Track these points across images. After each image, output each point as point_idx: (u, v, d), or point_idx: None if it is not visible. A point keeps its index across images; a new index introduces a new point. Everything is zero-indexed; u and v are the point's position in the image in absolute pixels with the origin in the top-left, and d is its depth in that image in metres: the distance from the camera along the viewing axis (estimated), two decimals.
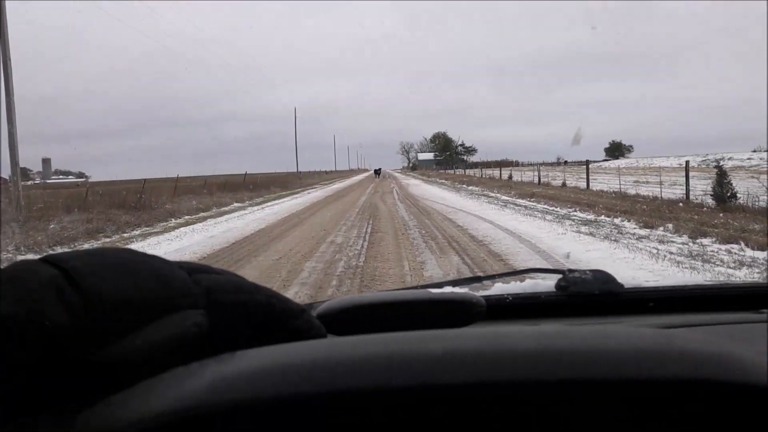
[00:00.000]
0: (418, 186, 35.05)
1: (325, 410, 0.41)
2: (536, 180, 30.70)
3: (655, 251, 8.00)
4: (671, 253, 7.91)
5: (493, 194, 23.09)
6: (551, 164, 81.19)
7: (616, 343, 0.48)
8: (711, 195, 13.46)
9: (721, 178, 12.82)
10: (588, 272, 1.04)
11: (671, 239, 9.18)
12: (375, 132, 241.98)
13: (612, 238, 9.26)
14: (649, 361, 0.45)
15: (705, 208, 13.09)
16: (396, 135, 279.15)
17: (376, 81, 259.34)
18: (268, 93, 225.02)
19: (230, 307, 0.54)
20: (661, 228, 10.35)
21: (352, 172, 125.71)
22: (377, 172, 64.08)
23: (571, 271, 1.06)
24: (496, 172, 45.10)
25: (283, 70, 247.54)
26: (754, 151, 59.04)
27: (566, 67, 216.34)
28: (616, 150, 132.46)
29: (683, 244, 8.73)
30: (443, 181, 43.26)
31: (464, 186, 32.55)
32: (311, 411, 0.41)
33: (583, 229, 10.50)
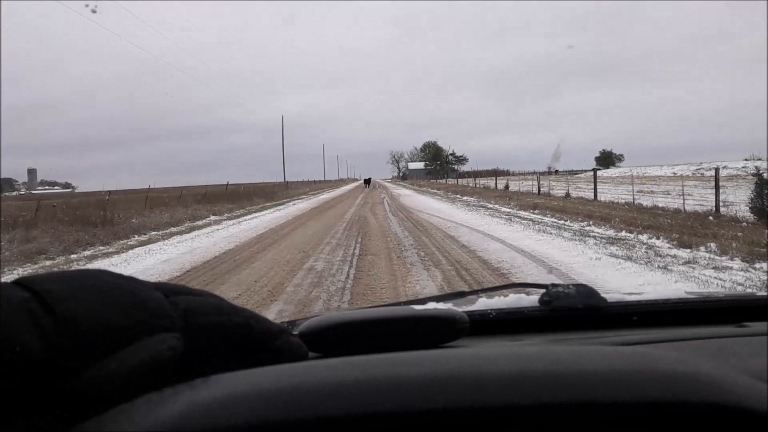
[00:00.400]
0: (410, 196, 33.30)
1: None
2: (535, 190, 29.01)
3: (720, 282, 6.28)
4: (739, 284, 6.20)
5: (491, 205, 21.44)
6: (542, 173, 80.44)
7: (592, 365, 0.49)
8: (749, 207, 11.75)
9: (762, 188, 11.13)
10: (571, 286, 1.04)
11: (725, 264, 7.45)
12: (365, 142, 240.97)
13: (656, 264, 7.50)
14: (624, 382, 0.46)
15: (743, 223, 11.41)
16: (386, 145, 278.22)
17: (365, 91, 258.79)
18: (259, 104, 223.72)
19: (208, 329, 0.53)
20: (703, 248, 8.64)
21: (341, 182, 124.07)
22: (367, 181, 62.31)
23: (554, 285, 1.05)
24: (489, 182, 43.88)
25: (273, 81, 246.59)
26: (747, 160, 57.93)
27: (554, 76, 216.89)
28: (606, 159, 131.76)
29: (742, 270, 7.01)
30: (435, 191, 41.57)
31: (458, 196, 30.90)
32: None
33: (615, 250, 8.72)
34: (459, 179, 76.12)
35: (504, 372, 0.47)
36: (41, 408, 0.42)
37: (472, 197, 28.67)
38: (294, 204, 28.94)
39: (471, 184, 48.12)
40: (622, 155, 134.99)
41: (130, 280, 0.53)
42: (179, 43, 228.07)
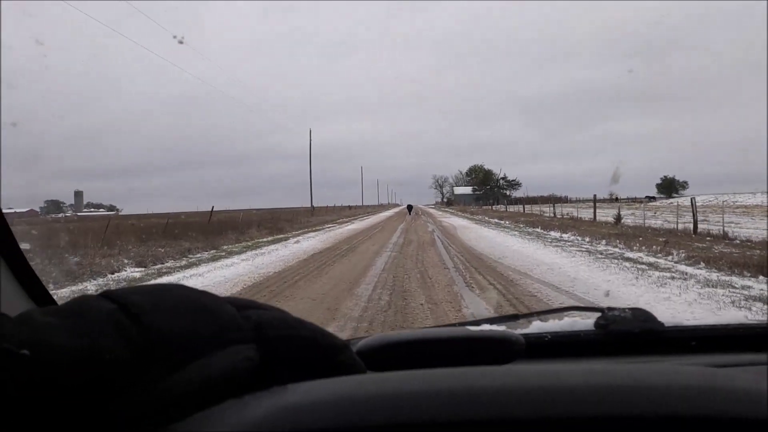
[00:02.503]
0: (467, 229, 23.71)
1: None
2: (633, 220, 18.90)
3: None
4: None
5: (660, 262, 11.46)
6: (602, 200, 70.79)
7: (668, 380, 0.49)
8: None
9: None
10: (627, 310, 1.01)
11: None
12: (406, 167, 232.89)
13: None
14: (698, 398, 0.46)
15: None
16: (427, 170, 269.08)
17: (407, 118, 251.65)
18: (302, 131, 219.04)
19: (278, 342, 0.55)
20: None
21: (381, 207, 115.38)
22: (409, 208, 52.83)
23: (610, 309, 1.02)
24: (546, 209, 35.12)
25: (315, 109, 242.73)
26: None
27: (599, 103, 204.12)
28: (669, 186, 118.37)
29: None
30: (497, 220, 31.84)
31: (539, 230, 21.26)
32: None
33: None
34: (512, 206, 66.28)
35: (577, 384, 0.47)
36: (129, 415, 0.44)
37: (565, 233, 18.95)
38: (306, 238, 19.75)
39: (536, 212, 38.25)
40: (686, 182, 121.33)
41: (205, 294, 0.55)
42: (227, 72, 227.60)
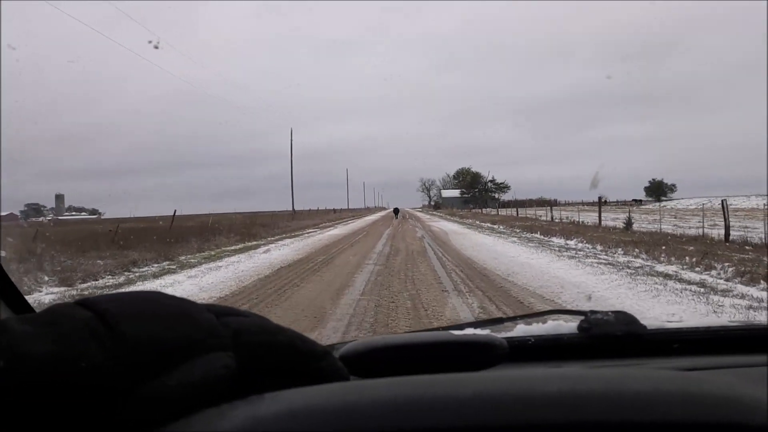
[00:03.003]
0: (460, 235, 21.49)
1: None
2: (659, 226, 16.91)
3: None
4: None
5: (645, 261, 9.36)
6: (591, 204, 69.22)
7: (640, 386, 0.49)
8: None
9: None
10: (610, 313, 1.02)
11: None
12: (393, 170, 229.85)
13: None
14: (674, 404, 0.46)
15: None
16: (415, 174, 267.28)
17: (394, 120, 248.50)
18: (287, 133, 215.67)
19: (256, 348, 0.55)
20: None
21: (367, 211, 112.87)
22: (396, 212, 50.28)
23: (593, 312, 1.03)
24: (540, 212, 33.73)
25: (303, 111, 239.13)
26: None
27: (589, 106, 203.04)
28: (657, 189, 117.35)
29: None
30: (490, 224, 29.69)
31: (539, 236, 19.18)
32: None
33: None
34: (502, 209, 64.23)
35: (554, 390, 0.48)
36: (105, 422, 0.44)
37: (570, 239, 16.84)
38: (278, 248, 17.37)
39: (529, 215, 36.17)
40: (674, 185, 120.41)
41: (184, 301, 0.55)
42: (214, 73, 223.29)
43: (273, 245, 18.41)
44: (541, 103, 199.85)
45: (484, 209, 61.59)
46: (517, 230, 23.96)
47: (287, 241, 20.74)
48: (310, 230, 29.60)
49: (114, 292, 0.58)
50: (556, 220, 28.23)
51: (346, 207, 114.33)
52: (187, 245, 17.24)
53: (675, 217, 29.25)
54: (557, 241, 17.30)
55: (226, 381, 0.50)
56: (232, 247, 17.81)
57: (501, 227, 26.90)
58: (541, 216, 34.69)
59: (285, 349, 0.57)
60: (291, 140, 48.03)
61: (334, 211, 73.30)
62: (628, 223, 19.07)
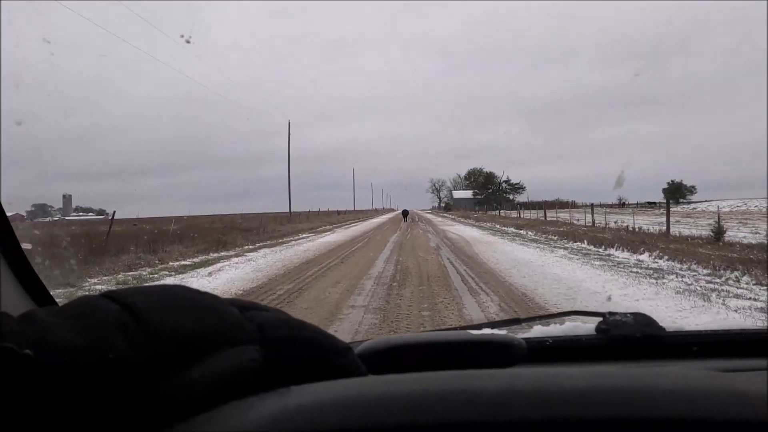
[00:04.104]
0: (486, 244, 16.73)
1: None
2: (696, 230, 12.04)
3: None
4: None
5: None
6: (610, 206, 64.38)
7: (668, 383, 0.49)
8: None
9: None
10: (629, 315, 1.01)
11: None
12: (402, 171, 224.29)
13: None
14: (701, 401, 0.46)
15: None
16: (424, 174, 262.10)
17: (403, 122, 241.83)
18: (299, 134, 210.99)
19: (281, 343, 0.55)
20: None
21: (375, 213, 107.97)
22: (405, 214, 45.31)
23: (611, 313, 1.02)
24: (562, 214, 29.93)
25: (310, 111, 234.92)
26: None
27: (597, 107, 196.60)
28: (676, 191, 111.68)
29: None
30: (513, 229, 24.94)
31: (584, 244, 14.39)
32: None
33: None
34: (517, 211, 59.21)
35: (581, 386, 0.47)
36: (132, 414, 0.44)
37: (636, 252, 12.11)
38: (203, 277, 12.67)
39: (558, 218, 31.32)
40: (694, 187, 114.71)
41: (208, 295, 0.56)
42: (223, 75, 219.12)
43: (236, 260, 13.64)
44: (550, 103, 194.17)
45: (501, 211, 56.56)
46: (553, 237, 19.23)
47: (263, 252, 16.05)
48: (303, 235, 24.95)
49: (140, 285, 0.58)
50: (598, 225, 23.33)
51: (352, 209, 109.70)
52: (119, 259, 12.65)
53: (740, 222, 24.28)
54: (624, 255, 12.57)
55: (253, 374, 0.50)
56: (182, 262, 13.14)
57: (531, 233, 22.13)
58: (568, 219, 29.86)
59: (308, 344, 0.57)
60: (288, 133, 43.49)
61: (338, 212, 68.49)
62: (719, 232, 14.10)
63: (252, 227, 26.82)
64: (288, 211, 43.83)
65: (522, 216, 40.49)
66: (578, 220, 27.58)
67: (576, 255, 13.07)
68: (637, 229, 19.38)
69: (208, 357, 0.49)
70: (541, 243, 17.23)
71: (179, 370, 0.47)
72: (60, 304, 0.51)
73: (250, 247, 18.20)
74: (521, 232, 23.66)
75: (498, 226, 29.25)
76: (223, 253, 15.65)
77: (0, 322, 0.43)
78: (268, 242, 20.42)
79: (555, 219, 31.48)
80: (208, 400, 0.46)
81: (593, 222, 23.96)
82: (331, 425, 0.43)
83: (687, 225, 22.17)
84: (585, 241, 16.70)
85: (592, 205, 25.27)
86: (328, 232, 27.62)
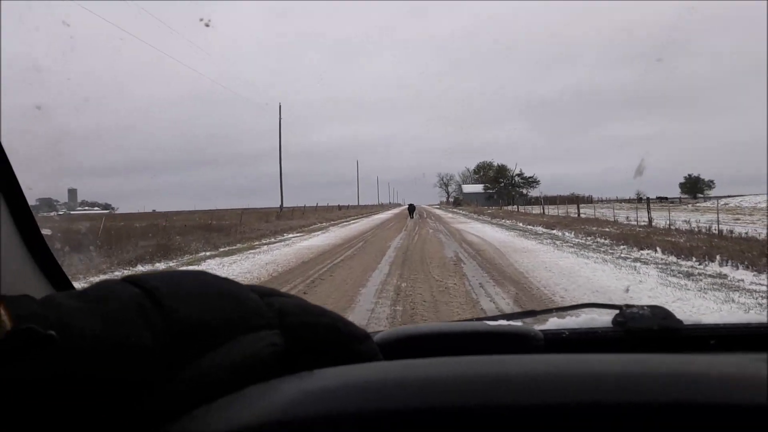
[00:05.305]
0: (526, 254, 11.98)
1: (411, 426, 0.43)
2: None
3: None
4: None
5: None
6: (627, 201, 59.48)
7: (698, 368, 0.49)
8: None
9: None
10: (646, 308, 0.99)
11: None
12: (409, 167, 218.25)
13: None
14: (729, 385, 0.46)
15: None
16: (431, 169, 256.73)
17: (412, 119, 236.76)
18: (307, 132, 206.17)
19: (301, 329, 0.55)
20: None
21: (381, 208, 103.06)
22: (411, 209, 40.22)
23: (628, 306, 1.01)
24: (586, 210, 27.12)
25: (318, 109, 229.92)
26: None
27: (601, 105, 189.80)
28: (694, 186, 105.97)
29: None
30: (543, 229, 20.20)
31: (658, 254, 9.59)
32: (394, 426, 0.43)
33: None
34: (531, 206, 54.27)
35: (611, 371, 0.48)
36: (156, 396, 0.45)
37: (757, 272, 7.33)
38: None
39: (586, 215, 26.54)
40: (712, 181, 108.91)
41: (228, 281, 0.56)
42: (232, 71, 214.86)
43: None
44: (555, 100, 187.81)
45: (519, 207, 51.55)
46: (604, 241, 14.52)
47: (209, 264, 11.35)
48: (287, 236, 20.27)
49: (159, 270, 0.53)
50: (659, 225, 18.38)
51: (356, 204, 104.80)
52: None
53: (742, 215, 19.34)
54: (753, 279, 7.86)
55: (275, 358, 0.51)
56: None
57: (569, 234, 17.40)
58: (606, 216, 25.04)
59: (328, 330, 0.57)
60: (279, 118, 38.77)
61: (339, 207, 63.78)
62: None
63: (228, 226, 22.19)
64: (281, 206, 39.08)
65: (547, 212, 35.50)
66: (626, 217, 22.63)
67: (669, 274, 8.35)
68: (723, 232, 14.47)
69: (229, 342, 0.48)
70: (599, 251, 12.45)
71: (201, 355, 0.46)
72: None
73: (200, 255, 13.52)
74: (555, 232, 18.91)
75: (522, 225, 24.47)
76: (143, 267, 10.97)
77: (22, 305, 0.43)
78: (230, 248, 15.72)
79: (589, 216, 26.61)
80: (231, 384, 0.46)
81: (650, 220, 18.98)
82: (351, 408, 0.43)
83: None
84: (658, 249, 11.98)
85: (648, 199, 20.29)
86: (320, 232, 22.90)
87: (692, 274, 8.64)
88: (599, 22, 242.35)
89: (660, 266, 9.66)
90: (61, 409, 0.41)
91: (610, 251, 12.46)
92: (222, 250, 15.06)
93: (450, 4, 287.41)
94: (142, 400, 0.44)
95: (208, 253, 14.05)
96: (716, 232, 14.79)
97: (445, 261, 10.73)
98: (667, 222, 18.21)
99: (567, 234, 17.86)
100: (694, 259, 10.35)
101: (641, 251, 12.28)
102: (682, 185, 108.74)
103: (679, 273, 8.79)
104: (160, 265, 11.17)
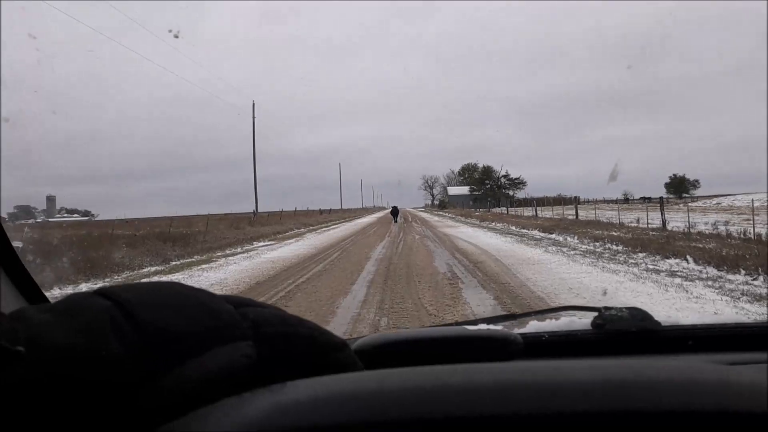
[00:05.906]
0: (533, 266, 9.89)
1: None
2: None
3: None
4: None
5: None
6: (614, 202, 58.12)
7: (669, 375, 0.49)
8: None
9: None
10: (624, 310, 1.00)
11: None
12: (394, 170, 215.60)
13: None
14: (712, 393, 0.46)
15: None
16: (416, 173, 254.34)
17: (395, 122, 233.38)
18: (289, 136, 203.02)
19: (276, 339, 0.55)
20: None
21: (364, 212, 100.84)
22: (394, 213, 38.03)
23: (607, 308, 1.01)
24: (567, 211, 26.51)
25: (301, 112, 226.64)
26: None
27: (584, 108, 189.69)
28: (679, 186, 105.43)
29: None
30: (540, 233, 18.16)
31: (711, 269, 7.54)
32: None
33: None
34: (519, 207, 52.53)
35: (585, 379, 0.47)
36: (126, 411, 0.44)
37: None
38: None
39: (585, 217, 24.58)
40: (697, 181, 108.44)
41: (202, 291, 0.55)
42: (214, 75, 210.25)
43: None
44: (539, 102, 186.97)
45: (507, 209, 49.59)
46: (617, 247, 12.48)
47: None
48: (255, 245, 17.96)
49: (132, 282, 0.57)
50: (676, 229, 16.38)
51: (339, 207, 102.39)
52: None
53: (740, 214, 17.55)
54: None
55: (247, 370, 0.50)
56: None
57: (573, 240, 15.35)
58: (610, 218, 23.13)
59: (304, 340, 0.56)
60: (253, 117, 36.41)
61: (321, 212, 61.29)
62: None
63: (190, 235, 19.80)
64: (270, 210, 36.71)
65: (540, 215, 33.53)
66: (633, 219, 20.65)
67: (729, 295, 6.26)
68: (762, 236, 12.47)
69: (202, 354, 0.47)
70: (620, 262, 10.37)
71: (173, 368, 0.45)
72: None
73: (144, 272, 11.19)
74: (555, 237, 16.87)
75: (515, 229, 22.46)
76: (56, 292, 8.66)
77: None
78: (182, 261, 13.38)
79: (590, 218, 24.67)
80: (203, 397, 0.45)
81: (664, 223, 16.96)
82: (327, 420, 0.42)
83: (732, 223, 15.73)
84: (689, 259, 9.96)
85: (661, 199, 18.25)
86: (293, 240, 20.59)
87: (762, 296, 6.60)
88: (585, 24, 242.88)
89: (708, 283, 7.61)
90: (30, 425, 0.40)
91: (632, 261, 10.41)
92: (173, 264, 12.75)
93: (434, 5, 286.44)
94: (114, 415, 0.43)
95: (153, 269, 11.74)
96: (748, 236, 12.80)
97: (437, 280, 8.55)
98: (692, 226, 16.23)
99: (570, 239, 15.82)
100: (743, 272, 8.35)
101: (667, 260, 10.28)
102: (667, 185, 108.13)
103: (741, 294, 6.73)
104: (82, 287, 8.89)
